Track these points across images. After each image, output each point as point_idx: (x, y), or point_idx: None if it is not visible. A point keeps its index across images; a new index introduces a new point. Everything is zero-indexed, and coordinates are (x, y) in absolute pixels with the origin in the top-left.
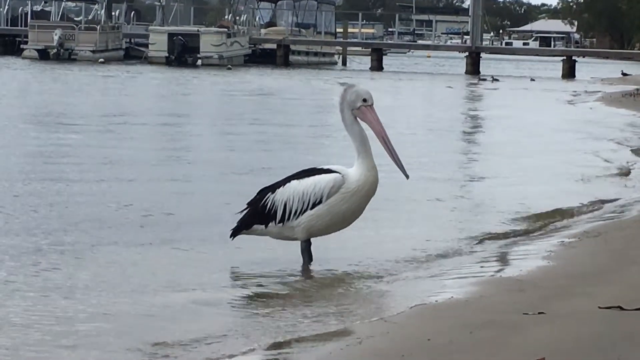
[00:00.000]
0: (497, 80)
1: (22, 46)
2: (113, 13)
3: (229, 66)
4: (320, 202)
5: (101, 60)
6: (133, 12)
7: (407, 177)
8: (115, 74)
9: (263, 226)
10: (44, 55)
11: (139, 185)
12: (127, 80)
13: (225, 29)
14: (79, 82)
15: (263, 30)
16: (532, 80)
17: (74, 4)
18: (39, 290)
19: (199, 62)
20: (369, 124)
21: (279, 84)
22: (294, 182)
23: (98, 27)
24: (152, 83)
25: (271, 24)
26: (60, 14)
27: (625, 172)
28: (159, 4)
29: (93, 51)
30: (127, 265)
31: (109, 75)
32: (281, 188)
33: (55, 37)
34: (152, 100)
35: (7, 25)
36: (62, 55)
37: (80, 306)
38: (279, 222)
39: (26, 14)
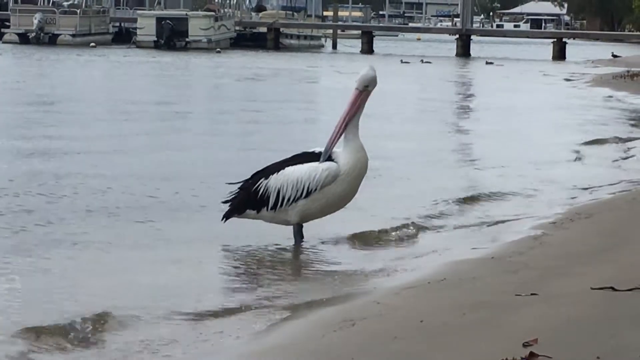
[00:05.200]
0: (428, 62)
1: (2, 30)
2: None
3: (218, 50)
4: (314, 190)
5: (92, 44)
6: None
7: (321, 160)
8: (91, 59)
9: (255, 211)
10: (24, 39)
11: (132, 167)
12: (104, 65)
13: (213, 13)
14: (40, 67)
15: (260, 14)
16: (489, 63)
17: None
18: None
19: (190, 45)
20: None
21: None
22: (288, 169)
23: (78, 11)
24: (139, 68)
25: (260, 7)
26: None
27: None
28: None
29: (73, 35)
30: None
31: (88, 60)
32: (275, 175)
33: (35, 21)
34: (141, 87)
35: None
36: (42, 39)
37: (79, 283)
38: (272, 209)
39: None
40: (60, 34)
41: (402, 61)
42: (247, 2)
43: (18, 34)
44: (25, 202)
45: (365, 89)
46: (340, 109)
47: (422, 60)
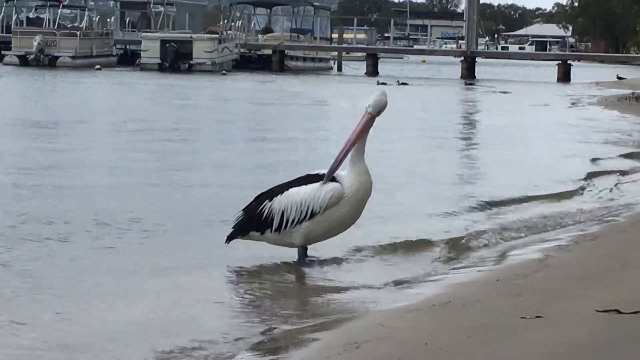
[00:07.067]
0: (404, 84)
1: (3, 52)
2: (108, 20)
3: (224, 72)
4: (318, 212)
5: (97, 67)
6: (135, 19)
7: (324, 181)
8: (86, 82)
9: (259, 233)
10: (24, 61)
11: (138, 189)
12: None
13: (217, 35)
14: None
15: (263, 36)
16: (469, 84)
17: (69, 11)
18: None
19: (194, 67)
20: None
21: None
22: (292, 191)
23: (79, 33)
24: (141, 91)
25: (268, 29)
26: (55, 21)
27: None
28: (151, 10)
29: (73, 57)
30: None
31: (81, 82)
32: (279, 196)
33: (35, 43)
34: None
35: (2, 32)
36: (42, 61)
37: (85, 299)
38: (276, 231)
39: (22, 21)
40: (60, 56)
41: (378, 82)
42: (253, 24)
43: (18, 56)
44: (27, 221)
45: (378, 114)
46: (340, 131)
47: (397, 82)
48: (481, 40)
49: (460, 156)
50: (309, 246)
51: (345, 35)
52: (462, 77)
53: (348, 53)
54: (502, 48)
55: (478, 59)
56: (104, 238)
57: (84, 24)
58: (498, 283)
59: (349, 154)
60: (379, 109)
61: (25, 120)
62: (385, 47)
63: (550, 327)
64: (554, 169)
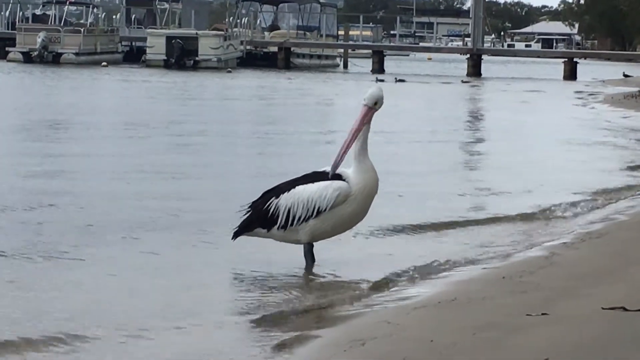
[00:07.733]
0: (402, 81)
1: (7, 49)
2: (114, 16)
3: (229, 69)
4: (325, 210)
5: (104, 63)
6: (140, 15)
7: (330, 175)
8: (86, 78)
9: (265, 230)
10: (27, 58)
11: (142, 187)
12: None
13: (222, 32)
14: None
15: (269, 33)
16: (465, 82)
17: (74, 8)
18: None
19: (200, 64)
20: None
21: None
22: (299, 188)
23: (82, 30)
24: (144, 89)
25: (274, 26)
26: (62, 18)
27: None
28: (157, 7)
29: (76, 54)
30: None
31: (82, 79)
32: (285, 193)
33: (39, 40)
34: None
35: (8, 29)
36: (46, 57)
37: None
38: (282, 228)
39: (27, 18)
40: (64, 53)
41: (377, 79)
42: (259, 21)
43: (22, 53)
44: (30, 220)
45: (374, 107)
46: (343, 129)
47: (395, 79)
48: (487, 38)
49: (467, 157)
50: (315, 243)
51: (351, 33)
52: (467, 74)
53: (354, 50)
54: (508, 45)
55: (484, 57)
56: (105, 234)
57: (89, 21)
58: (504, 280)
59: (352, 150)
60: (374, 100)
61: (23, 120)
62: (391, 44)
63: (556, 324)
64: (560, 175)
